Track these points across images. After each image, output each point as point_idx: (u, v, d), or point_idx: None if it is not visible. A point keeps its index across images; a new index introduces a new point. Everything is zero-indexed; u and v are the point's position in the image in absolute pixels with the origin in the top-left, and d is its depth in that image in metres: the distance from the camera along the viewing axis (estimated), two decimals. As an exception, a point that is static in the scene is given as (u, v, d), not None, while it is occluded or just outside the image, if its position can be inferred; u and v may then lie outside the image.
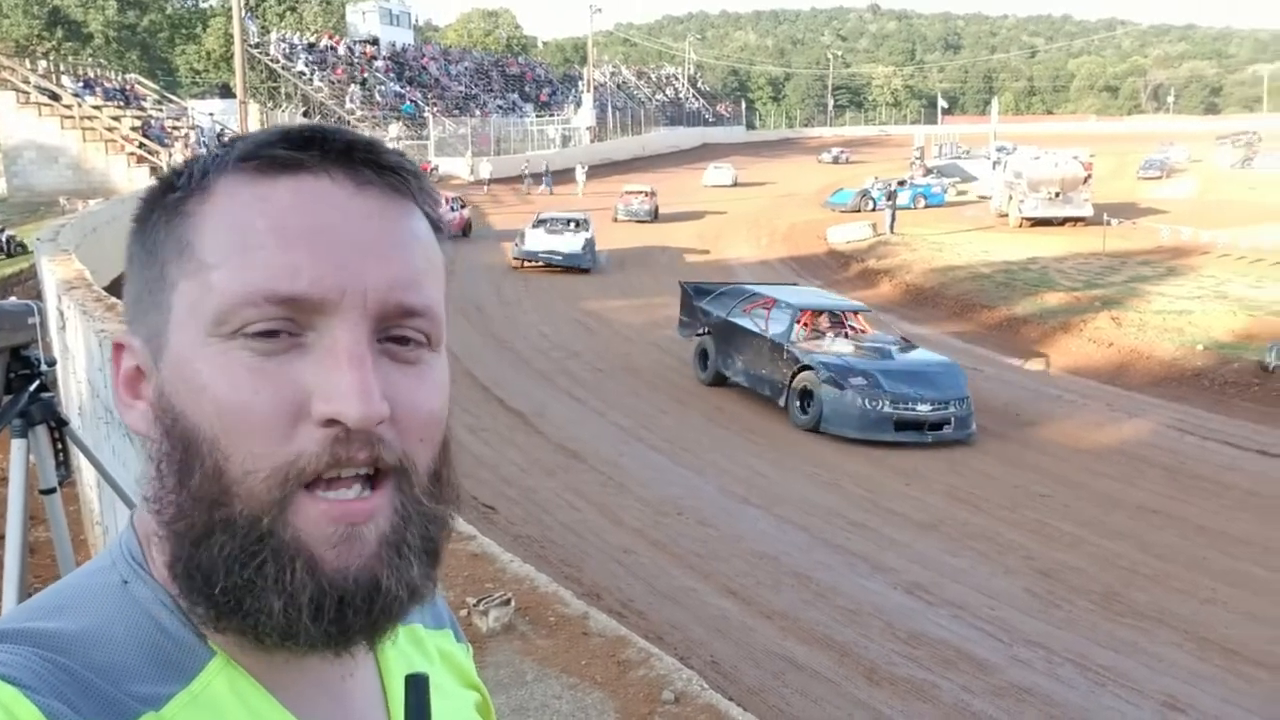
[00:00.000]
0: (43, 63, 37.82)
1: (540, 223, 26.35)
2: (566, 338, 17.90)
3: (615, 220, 33.27)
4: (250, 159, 0.63)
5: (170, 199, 0.65)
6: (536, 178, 42.67)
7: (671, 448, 11.91)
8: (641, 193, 35.20)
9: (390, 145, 0.68)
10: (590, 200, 36.91)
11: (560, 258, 24.36)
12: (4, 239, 23.48)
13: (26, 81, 33.31)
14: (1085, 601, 8.29)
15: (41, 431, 2.69)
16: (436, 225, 0.70)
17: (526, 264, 24.76)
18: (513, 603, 4.53)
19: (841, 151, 63.14)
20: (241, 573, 0.59)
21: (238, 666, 0.63)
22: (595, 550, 8.63)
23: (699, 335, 15.44)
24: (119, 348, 0.68)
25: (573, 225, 26.16)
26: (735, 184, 47.45)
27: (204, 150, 0.69)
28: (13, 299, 3.36)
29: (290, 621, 0.59)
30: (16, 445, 2.68)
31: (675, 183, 44.87)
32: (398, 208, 0.65)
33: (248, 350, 0.60)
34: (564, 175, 44.03)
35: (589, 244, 25.03)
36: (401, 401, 0.62)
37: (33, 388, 2.65)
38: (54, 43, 45.74)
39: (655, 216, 34.15)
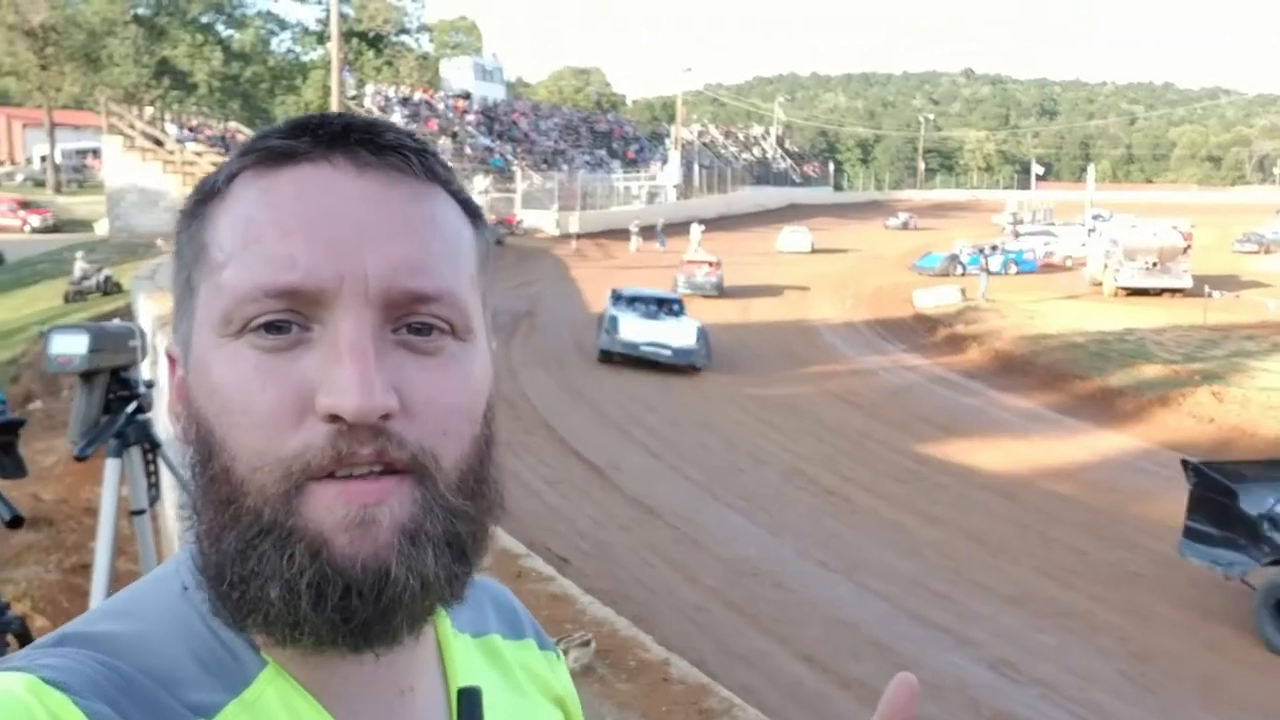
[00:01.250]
0: (149, 110, 39.55)
1: (627, 302, 21.37)
2: (645, 393, 17.84)
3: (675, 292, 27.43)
4: (251, 153, 0.62)
5: (192, 204, 0.65)
6: (648, 231, 42.63)
7: (748, 506, 11.70)
8: (706, 263, 30.70)
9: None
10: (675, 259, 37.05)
11: (669, 353, 19.43)
12: (102, 278, 24.46)
13: (132, 127, 34.88)
14: (1184, 689, 7.86)
15: (135, 453, 2.70)
16: (468, 208, 0.67)
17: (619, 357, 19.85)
18: (593, 644, 4.43)
19: (910, 217, 60.89)
20: (245, 564, 0.58)
21: (289, 677, 0.61)
22: (668, 608, 8.46)
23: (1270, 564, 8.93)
24: (170, 360, 0.68)
25: (670, 307, 21.50)
26: (813, 250, 43.93)
27: None
28: (116, 320, 3.42)
29: (290, 609, 0.57)
30: (111, 465, 2.70)
31: (755, 244, 44.65)
32: (405, 188, 0.62)
33: (254, 348, 0.58)
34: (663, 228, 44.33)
35: (702, 334, 20.28)
36: (417, 395, 0.59)
37: (130, 409, 2.66)
38: (161, 91, 47.81)
39: (720, 290, 29.26)
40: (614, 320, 20.26)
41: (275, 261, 0.58)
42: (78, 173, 56.28)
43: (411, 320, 0.60)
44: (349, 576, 0.57)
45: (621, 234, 43.36)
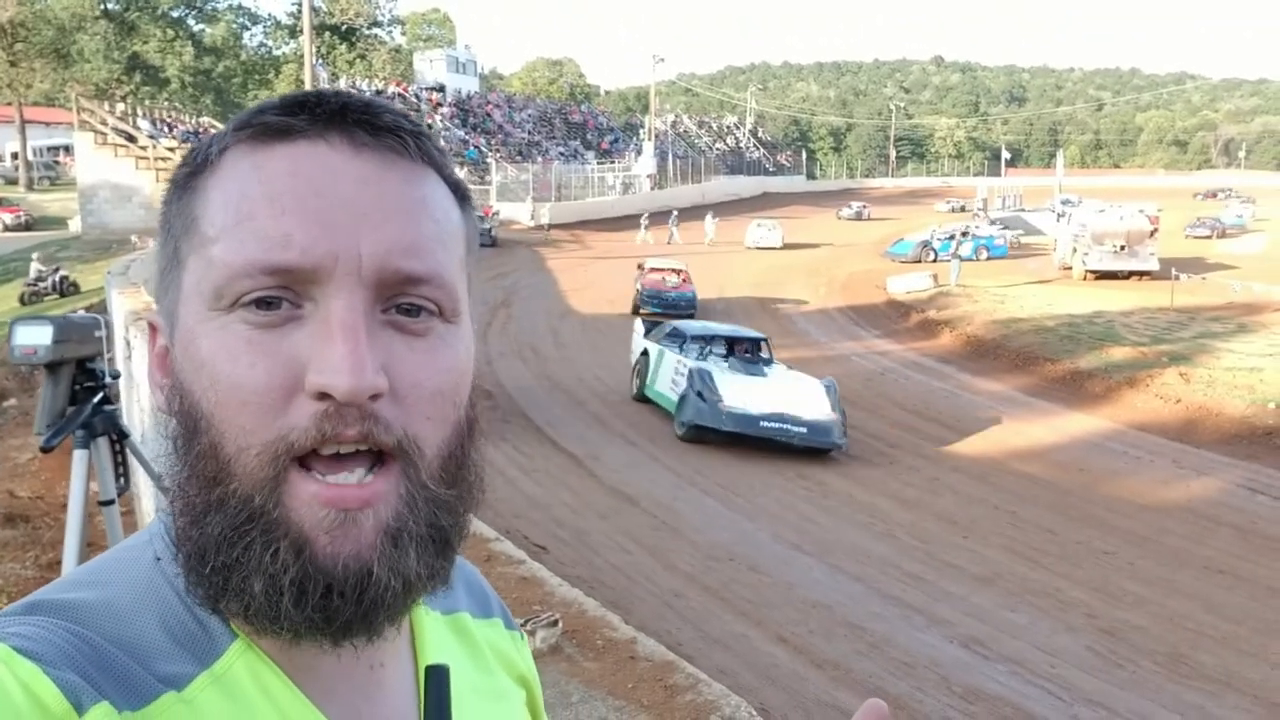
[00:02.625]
0: (120, 106, 39.15)
1: (696, 344, 15.59)
2: (622, 381, 17.91)
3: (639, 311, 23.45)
4: (246, 128, 0.62)
5: (182, 175, 0.64)
6: (658, 219, 42.55)
7: (725, 493, 11.81)
8: (673, 271, 25.43)
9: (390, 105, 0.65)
10: (672, 254, 37.01)
11: (803, 430, 13.45)
12: (58, 278, 24.01)
13: (104, 124, 34.55)
14: (1150, 662, 8.02)
15: (103, 443, 2.73)
16: (457, 191, 0.68)
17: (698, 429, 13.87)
18: (560, 624, 4.52)
19: (863, 207, 59.84)
20: (230, 552, 0.58)
21: (258, 651, 0.62)
22: (645, 593, 8.55)
23: None
24: (151, 329, 0.68)
25: (757, 351, 15.97)
26: (784, 245, 40.90)
27: None
28: (80, 311, 3.43)
29: (272, 604, 0.58)
30: (78, 456, 2.72)
31: (728, 233, 44.66)
32: (400, 170, 0.62)
33: (245, 323, 0.58)
34: (637, 219, 44.30)
35: (834, 394, 14.09)
36: (405, 377, 0.60)
37: (96, 399, 2.69)
38: (132, 87, 47.37)
39: (694, 308, 24.12)
40: (708, 379, 13.89)
41: (270, 239, 0.58)
42: (49, 170, 55.67)
43: (401, 301, 0.61)
44: (330, 576, 0.57)
45: (599, 224, 43.39)
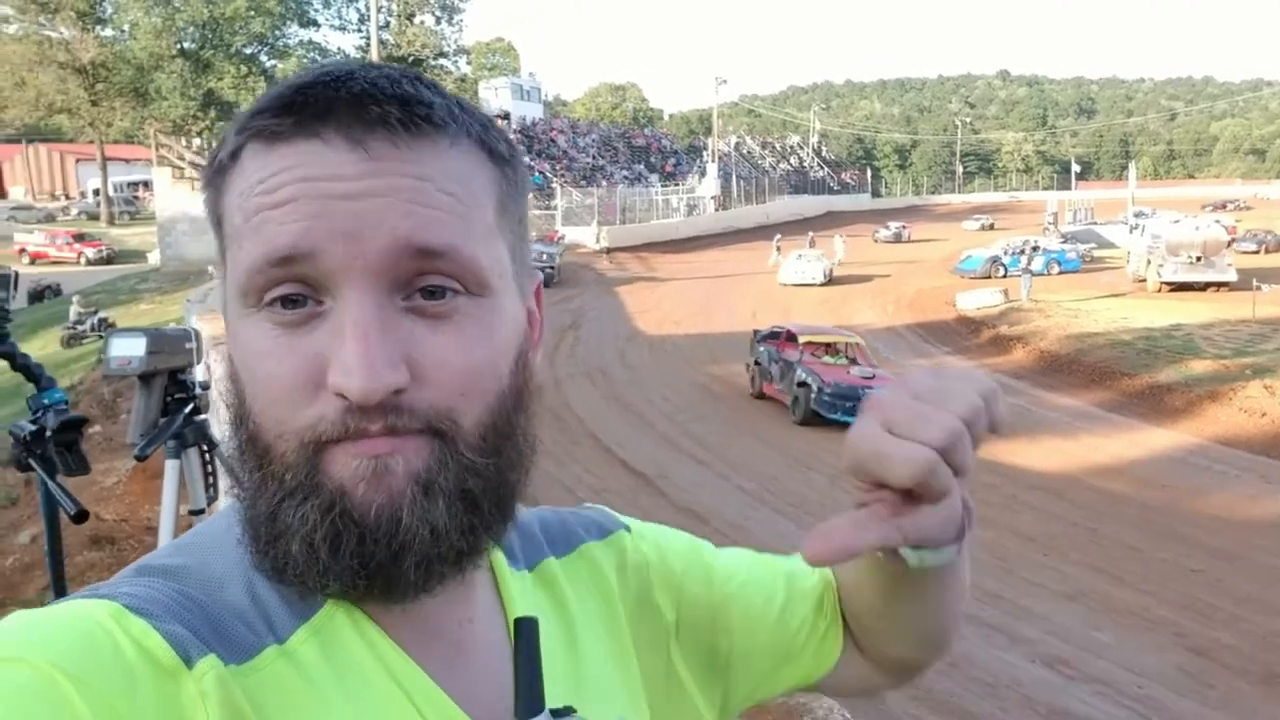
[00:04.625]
0: (197, 140, 40.28)
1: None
2: (690, 401, 17.91)
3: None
4: (243, 131, 0.62)
5: (212, 173, 0.65)
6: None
7: (796, 512, 11.71)
8: (840, 347, 18.42)
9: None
10: (737, 274, 36.92)
11: None
12: (97, 320, 24.25)
13: (181, 158, 35.59)
14: (1243, 682, 7.76)
15: (194, 454, 2.79)
16: (486, 146, 0.65)
17: None
18: None
19: (903, 227, 55.62)
20: (274, 526, 0.61)
21: (353, 605, 0.64)
22: (719, 612, 8.50)
23: None
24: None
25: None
26: (829, 280, 34.36)
27: None
28: (171, 325, 3.51)
29: (312, 560, 0.60)
30: (170, 466, 2.77)
31: (860, 250, 44.41)
32: (402, 153, 0.60)
33: (271, 322, 0.60)
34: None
35: None
36: (430, 362, 0.60)
37: (187, 410, 2.75)
38: (208, 122, 48.67)
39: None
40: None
41: (271, 231, 0.59)
42: (129, 204, 57.48)
43: (422, 284, 0.60)
44: (364, 524, 0.59)
45: (664, 246, 43.46)
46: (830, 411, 15.69)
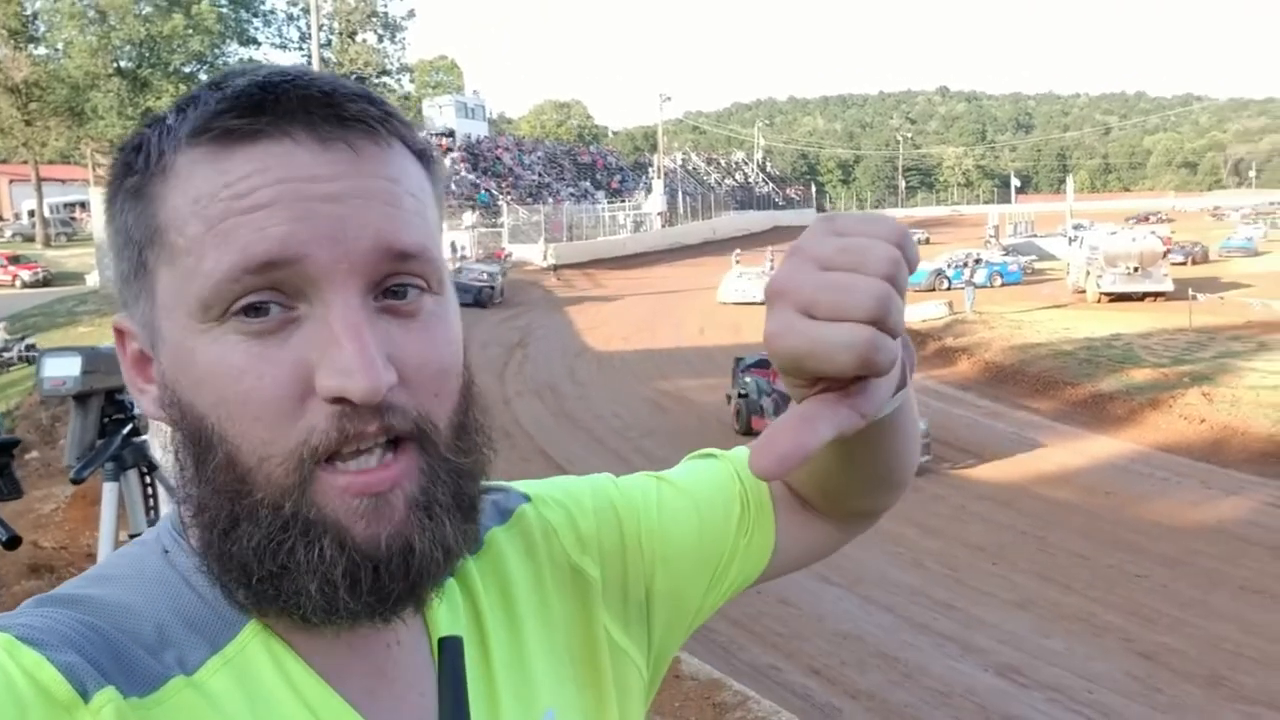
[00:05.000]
0: (135, 161, 39.65)
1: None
2: (640, 417, 17.88)
3: None
4: (203, 133, 0.58)
5: (130, 183, 0.61)
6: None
7: (749, 526, 11.73)
8: None
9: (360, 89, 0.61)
10: (684, 290, 37.01)
11: None
12: (23, 347, 23.66)
13: (120, 178, 35.01)
14: (1189, 685, 7.89)
15: (133, 476, 2.70)
16: (423, 156, 0.64)
17: None
18: None
19: None
20: (274, 561, 0.57)
21: (273, 633, 0.61)
22: (673, 629, 8.48)
23: None
24: (120, 333, 0.66)
25: None
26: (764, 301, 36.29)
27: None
28: (108, 344, 3.40)
29: (329, 599, 0.57)
30: (108, 489, 2.68)
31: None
32: (372, 155, 0.59)
33: (240, 334, 0.56)
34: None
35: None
36: (409, 361, 0.59)
37: (126, 431, 2.66)
38: (147, 142, 47.99)
39: None
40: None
41: (246, 238, 0.56)
42: (66, 226, 56.18)
43: (390, 283, 0.59)
44: (376, 558, 0.57)
45: (611, 263, 43.50)
46: None
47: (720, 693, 4.14)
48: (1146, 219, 68.50)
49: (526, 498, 0.83)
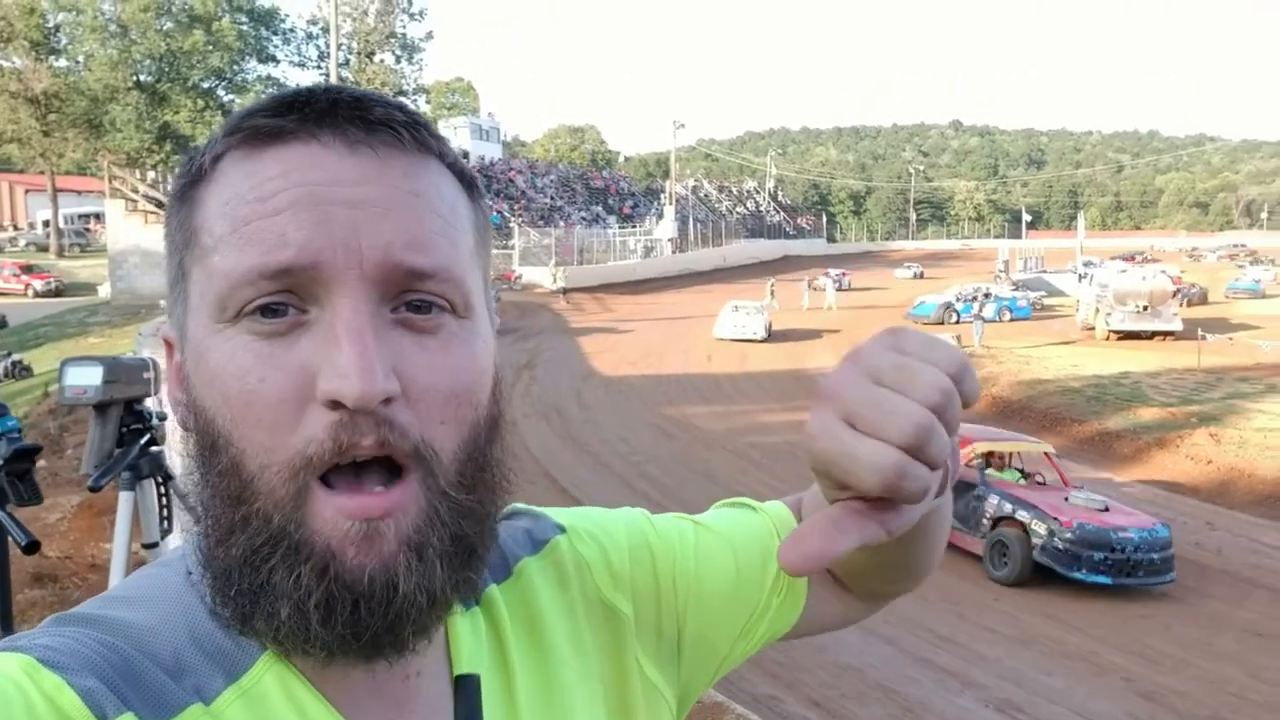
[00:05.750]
0: (151, 174, 39.88)
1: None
2: (646, 443, 17.87)
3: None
4: (236, 132, 0.60)
5: (180, 187, 0.63)
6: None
7: (752, 555, 11.68)
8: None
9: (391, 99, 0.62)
10: (693, 316, 36.97)
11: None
12: (9, 363, 23.62)
13: (135, 191, 35.21)
14: (1191, 727, 7.84)
15: (149, 486, 2.72)
16: (464, 179, 0.65)
17: None
18: None
19: (842, 274, 50.23)
20: (254, 576, 0.57)
21: (289, 664, 0.61)
22: (674, 656, 8.45)
23: None
24: (167, 345, 0.66)
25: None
26: (768, 337, 29.58)
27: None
28: (129, 354, 3.44)
29: (300, 627, 0.56)
30: (124, 498, 2.70)
31: (752, 295, 44.57)
32: (398, 164, 0.60)
33: (251, 334, 0.57)
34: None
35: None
36: (417, 378, 0.58)
37: (143, 441, 2.68)
38: (163, 155, 48.20)
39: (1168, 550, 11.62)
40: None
41: (267, 243, 0.56)
42: (80, 237, 56.54)
43: (410, 298, 0.59)
44: (357, 590, 0.56)
45: (621, 288, 43.55)
46: (1071, 568, 10.98)
47: (723, 716, 4.15)
48: (1133, 258, 68.41)
49: (561, 529, 0.83)
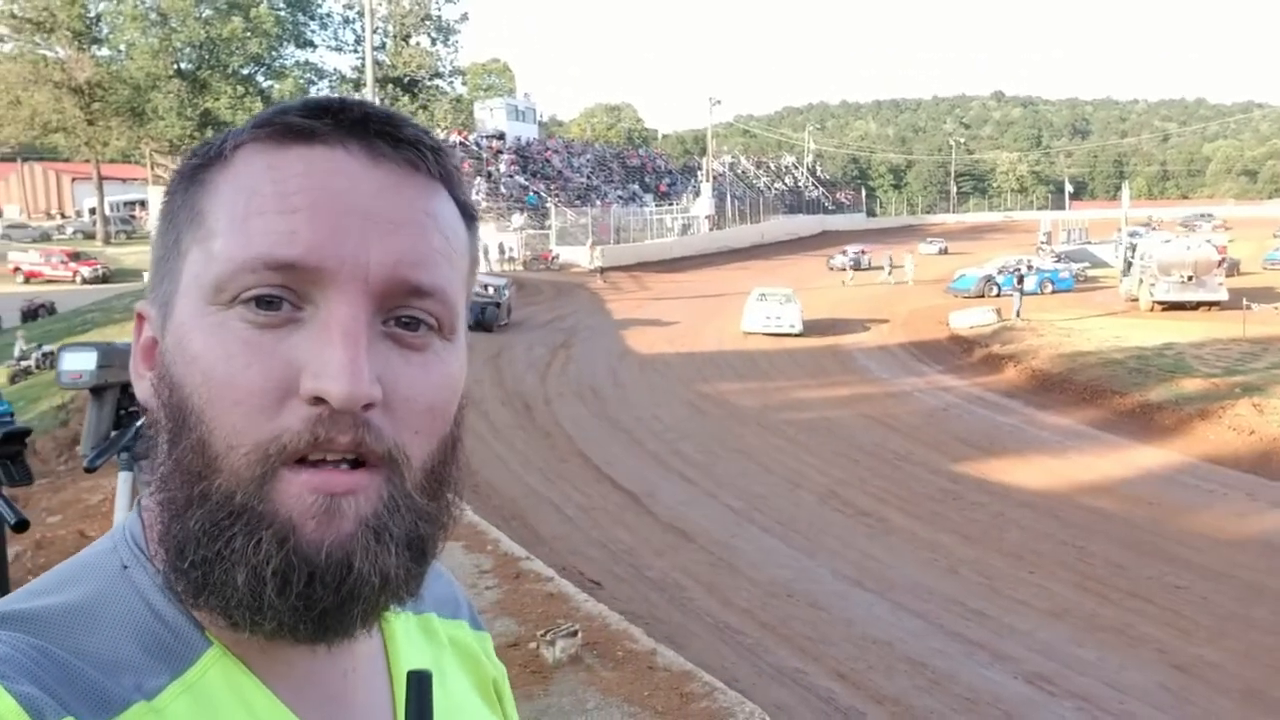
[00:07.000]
0: (193, 160, 40.40)
1: None
2: (679, 419, 17.89)
3: None
4: (265, 126, 0.62)
5: (190, 166, 0.64)
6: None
7: (784, 530, 11.70)
8: None
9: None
10: (730, 293, 36.90)
11: None
12: (41, 354, 24.01)
13: (178, 177, 35.71)
14: (1225, 700, 7.75)
15: (146, 466, 2.78)
16: (466, 211, 0.68)
17: None
18: (579, 635, 4.57)
19: (861, 252, 49.06)
20: (211, 545, 0.57)
21: (234, 658, 0.61)
22: (701, 628, 8.49)
23: None
24: (139, 318, 0.67)
25: None
26: (800, 331, 26.86)
27: None
28: (125, 340, 3.51)
29: (255, 594, 0.57)
30: (123, 479, 2.77)
31: (788, 272, 44.42)
32: (415, 184, 0.62)
33: (244, 321, 0.58)
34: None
35: None
36: (400, 389, 0.60)
37: (140, 423, 2.75)
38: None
39: None
40: None
41: (277, 235, 0.58)
42: (126, 224, 57.48)
43: (401, 314, 0.61)
44: (314, 564, 0.57)
45: (657, 266, 43.50)
46: None
47: (689, 684, 4.22)
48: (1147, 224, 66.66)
49: (488, 636, 0.89)
